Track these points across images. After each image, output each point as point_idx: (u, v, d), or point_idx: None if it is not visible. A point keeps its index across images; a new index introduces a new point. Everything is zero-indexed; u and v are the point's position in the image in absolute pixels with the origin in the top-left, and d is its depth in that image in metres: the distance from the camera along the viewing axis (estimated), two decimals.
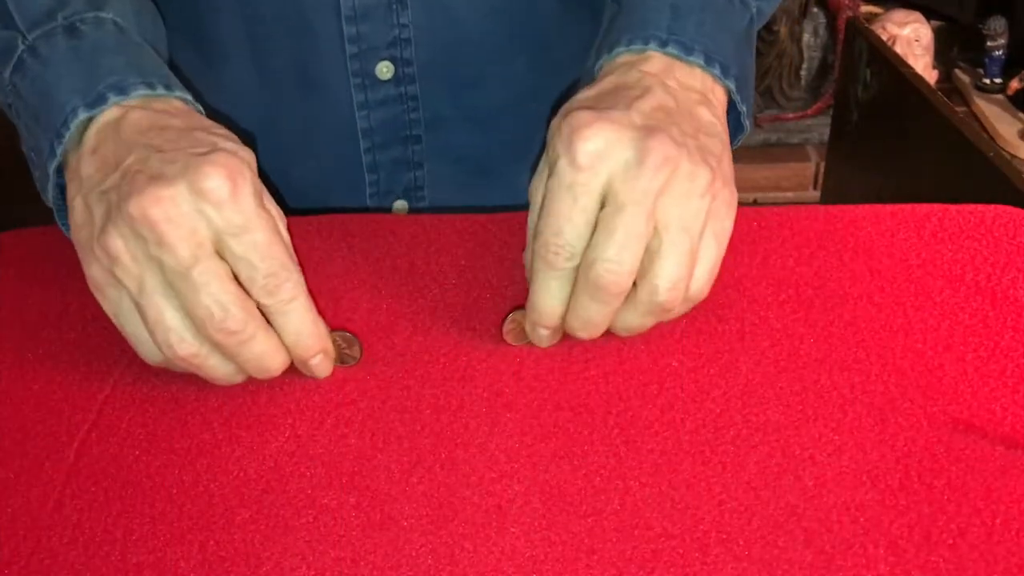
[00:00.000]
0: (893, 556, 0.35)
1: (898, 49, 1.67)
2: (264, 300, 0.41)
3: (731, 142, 0.49)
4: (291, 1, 0.58)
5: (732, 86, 0.48)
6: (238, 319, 0.40)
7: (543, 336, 0.44)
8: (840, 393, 0.42)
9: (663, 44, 0.46)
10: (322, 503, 0.38)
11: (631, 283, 0.41)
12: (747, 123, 0.50)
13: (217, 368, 0.42)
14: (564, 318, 0.43)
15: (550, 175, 0.42)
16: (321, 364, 0.43)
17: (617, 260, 0.40)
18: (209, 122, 0.46)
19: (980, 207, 0.55)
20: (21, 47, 0.47)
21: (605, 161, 0.41)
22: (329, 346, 0.43)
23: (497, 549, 0.35)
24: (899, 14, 1.76)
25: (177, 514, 0.37)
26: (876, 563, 0.34)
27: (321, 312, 0.48)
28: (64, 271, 0.52)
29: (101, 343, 0.47)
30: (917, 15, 1.76)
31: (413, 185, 0.66)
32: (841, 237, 0.53)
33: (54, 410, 0.43)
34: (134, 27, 0.50)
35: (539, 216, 0.42)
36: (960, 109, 1.53)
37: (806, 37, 1.79)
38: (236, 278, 0.41)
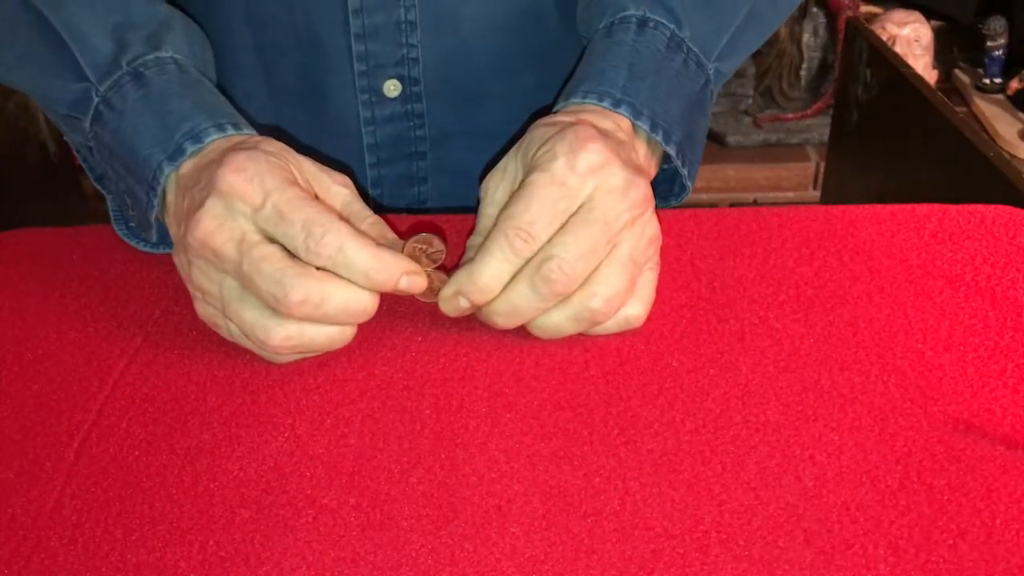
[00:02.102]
0: (893, 556, 0.35)
1: (898, 49, 1.68)
2: (316, 261, 0.42)
3: (673, 201, 0.55)
4: (301, 18, 0.59)
5: (673, 151, 0.50)
6: (298, 288, 0.41)
7: (460, 307, 0.44)
8: (840, 393, 0.42)
9: (616, 104, 0.49)
10: (322, 503, 0.38)
11: (572, 290, 0.43)
12: (689, 184, 0.53)
13: (320, 337, 0.43)
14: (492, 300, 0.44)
15: (539, 171, 0.43)
16: (411, 284, 0.43)
17: (573, 264, 0.42)
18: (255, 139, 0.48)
19: (980, 207, 0.55)
20: (96, 99, 0.49)
21: (597, 175, 0.43)
22: (408, 265, 0.43)
23: (497, 549, 0.35)
24: (899, 14, 1.76)
25: (177, 514, 0.37)
26: (876, 563, 0.34)
27: None
28: (64, 271, 0.53)
29: (101, 343, 0.47)
30: (917, 15, 1.76)
31: (417, 200, 0.67)
32: (841, 237, 0.53)
33: (54, 410, 0.43)
34: (190, 58, 0.52)
35: (513, 204, 0.43)
36: (960, 109, 1.53)
37: (806, 37, 1.79)
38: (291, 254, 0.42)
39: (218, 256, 0.42)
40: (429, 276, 0.45)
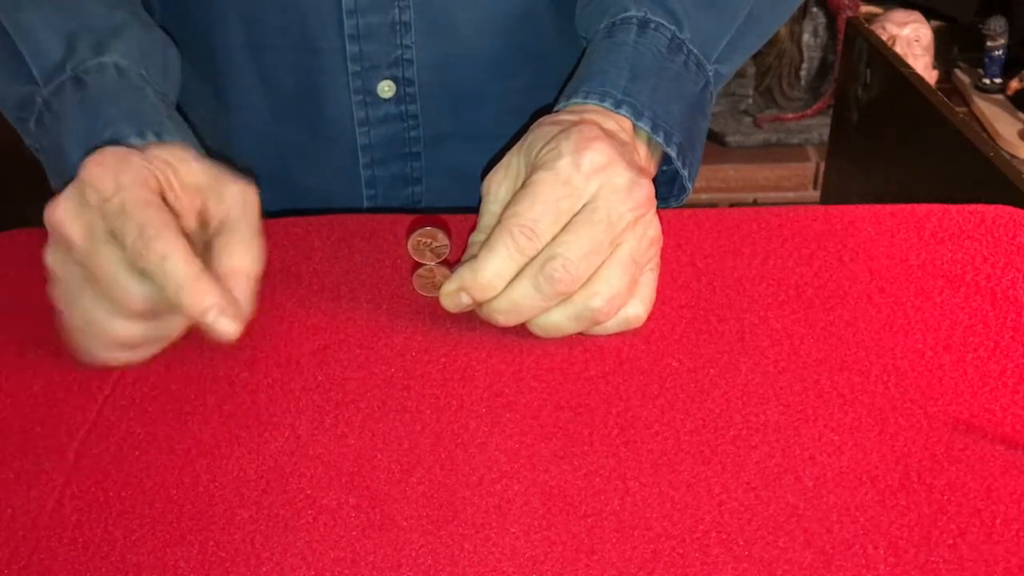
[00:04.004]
0: (893, 556, 0.35)
1: (898, 49, 1.67)
2: (139, 262, 0.41)
3: (673, 203, 0.55)
4: (295, 18, 0.59)
5: (674, 153, 0.50)
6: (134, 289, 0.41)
7: (462, 303, 0.44)
8: (840, 393, 0.42)
9: (617, 105, 0.48)
10: (322, 503, 0.38)
11: (574, 290, 0.43)
12: (689, 185, 0.53)
13: (151, 346, 0.43)
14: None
15: (544, 170, 0.43)
16: (216, 323, 0.40)
17: (576, 264, 0.42)
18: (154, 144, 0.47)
19: (980, 207, 0.55)
20: (39, 101, 0.50)
21: (602, 175, 0.43)
22: (222, 302, 0.40)
23: (497, 549, 0.35)
24: (899, 14, 1.76)
25: (177, 514, 0.37)
26: (876, 563, 0.34)
27: (321, 312, 0.48)
28: None
29: None
30: (917, 15, 1.76)
31: (411, 200, 0.67)
32: (841, 237, 0.53)
33: (54, 410, 0.43)
34: (138, 65, 0.52)
35: (517, 201, 0.43)
36: (960, 109, 1.52)
37: (806, 37, 1.78)
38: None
39: (69, 243, 0.42)
40: (432, 271, 0.45)
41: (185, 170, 0.45)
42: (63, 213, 0.42)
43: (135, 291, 0.41)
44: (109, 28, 0.52)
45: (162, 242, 0.40)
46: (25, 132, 0.52)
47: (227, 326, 0.41)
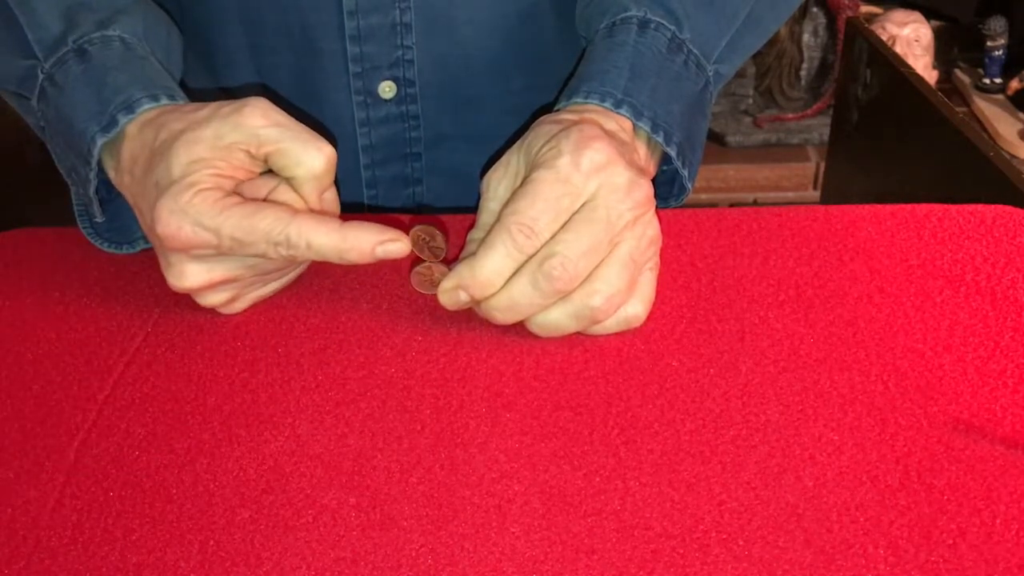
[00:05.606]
0: (893, 556, 0.35)
1: (898, 49, 1.67)
2: (295, 258, 0.44)
3: (672, 202, 0.55)
4: (295, 20, 0.59)
5: (674, 152, 0.50)
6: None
7: (460, 300, 0.44)
8: (840, 393, 0.42)
9: (617, 104, 0.48)
10: (322, 503, 0.38)
11: (573, 288, 0.43)
12: (689, 185, 0.53)
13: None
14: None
15: (544, 168, 0.43)
16: (388, 251, 0.44)
17: (575, 262, 0.42)
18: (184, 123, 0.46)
19: (980, 207, 0.55)
20: (41, 76, 0.49)
21: (601, 174, 0.43)
22: (378, 235, 0.44)
23: (497, 549, 0.35)
24: (899, 14, 1.76)
25: (177, 514, 0.37)
26: (876, 563, 0.34)
27: (321, 312, 0.48)
28: (64, 271, 0.53)
29: (101, 343, 0.47)
30: (917, 15, 1.76)
31: (411, 201, 0.67)
32: (841, 237, 0.53)
33: (54, 410, 0.43)
34: (143, 42, 0.51)
35: (517, 199, 0.43)
36: (960, 109, 1.52)
37: (806, 37, 1.78)
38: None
39: (221, 283, 0.46)
40: (430, 268, 0.45)
41: (250, 141, 0.45)
42: (192, 278, 0.45)
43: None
44: (113, 8, 0.51)
45: (294, 234, 0.43)
46: (28, 111, 0.52)
47: (394, 249, 0.44)
